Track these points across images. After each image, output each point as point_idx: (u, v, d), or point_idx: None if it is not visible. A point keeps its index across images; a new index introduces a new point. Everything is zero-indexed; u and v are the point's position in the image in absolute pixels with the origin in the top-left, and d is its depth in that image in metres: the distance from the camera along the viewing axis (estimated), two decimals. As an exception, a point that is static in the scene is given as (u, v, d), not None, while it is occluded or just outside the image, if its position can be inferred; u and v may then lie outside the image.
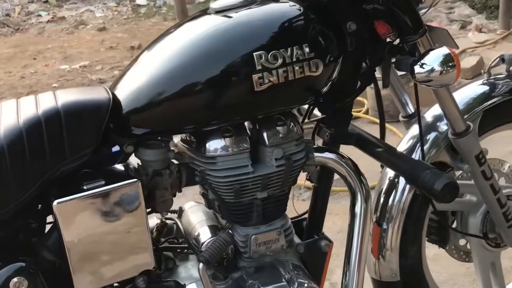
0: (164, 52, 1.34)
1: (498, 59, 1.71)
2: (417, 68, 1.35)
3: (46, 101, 1.27)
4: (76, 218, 1.23)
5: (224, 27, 1.33)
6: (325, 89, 1.39)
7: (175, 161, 1.39)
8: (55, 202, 1.21)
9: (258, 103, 1.33)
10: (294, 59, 1.29)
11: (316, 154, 1.43)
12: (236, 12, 1.33)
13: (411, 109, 1.73)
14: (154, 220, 1.50)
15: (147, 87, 1.29)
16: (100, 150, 1.29)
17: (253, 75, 1.27)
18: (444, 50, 1.35)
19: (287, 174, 1.36)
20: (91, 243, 1.26)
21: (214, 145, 1.32)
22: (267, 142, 1.34)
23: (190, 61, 1.29)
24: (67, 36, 6.90)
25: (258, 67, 1.27)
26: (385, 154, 1.48)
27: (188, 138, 1.39)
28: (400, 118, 1.77)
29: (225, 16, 1.33)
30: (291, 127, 1.36)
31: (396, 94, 1.73)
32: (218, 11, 1.34)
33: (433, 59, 1.34)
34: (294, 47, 1.29)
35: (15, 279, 1.21)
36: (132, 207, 1.27)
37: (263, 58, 1.27)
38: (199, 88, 1.28)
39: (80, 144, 1.25)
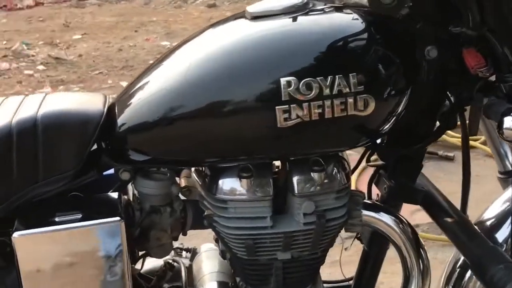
0: (180, 62, 1.08)
1: None
2: (508, 121, 1.00)
3: (28, 108, 1.06)
4: (38, 256, 1.01)
5: (253, 39, 1.05)
6: (384, 128, 1.08)
7: (182, 197, 1.13)
8: (14, 234, 1.00)
9: (281, 143, 1.05)
10: (335, 92, 0.98)
11: (365, 212, 1.13)
12: (273, 20, 1.04)
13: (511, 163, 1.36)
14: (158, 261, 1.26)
15: (152, 104, 1.05)
16: (87, 173, 1.06)
17: (277, 107, 0.98)
18: None
19: (319, 235, 1.08)
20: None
21: (228, 186, 1.06)
22: (296, 191, 1.06)
23: (206, 78, 1.02)
24: (174, 10, 6.73)
25: (285, 98, 0.98)
26: (454, 228, 1.13)
27: (203, 170, 1.12)
28: (497, 175, 1.40)
29: (258, 25, 1.05)
30: (332, 174, 1.08)
31: (492, 143, 1.36)
32: (254, 17, 1.06)
33: None
34: (337, 76, 0.98)
35: None
36: (109, 252, 1.03)
37: (293, 86, 0.98)
38: (212, 112, 1.02)
39: (58, 165, 1.04)
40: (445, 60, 1.07)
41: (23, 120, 1.02)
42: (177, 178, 1.15)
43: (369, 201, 1.17)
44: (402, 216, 1.16)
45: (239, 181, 1.05)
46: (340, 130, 1.04)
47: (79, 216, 1.02)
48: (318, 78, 0.98)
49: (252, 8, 1.06)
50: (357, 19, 1.06)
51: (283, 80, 0.98)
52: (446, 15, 1.03)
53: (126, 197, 1.12)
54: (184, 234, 1.16)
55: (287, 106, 0.98)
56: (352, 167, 1.21)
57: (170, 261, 1.28)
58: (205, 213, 1.09)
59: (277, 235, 1.07)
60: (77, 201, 1.06)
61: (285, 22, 1.05)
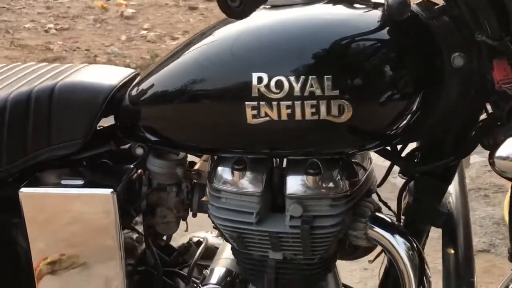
0: (190, 52, 1.06)
1: None
2: (503, 150, 0.85)
3: (51, 76, 1.15)
4: (39, 213, 1.09)
5: (239, 30, 1.00)
6: (372, 139, 1.00)
7: (195, 180, 1.14)
8: (21, 189, 1.08)
9: (251, 140, 1.00)
10: (306, 94, 0.91)
11: (373, 226, 1.03)
12: (266, 11, 0.99)
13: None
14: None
15: (161, 88, 1.06)
16: (102, 144, 1.13)
17: (246, 103, 0.94)
18: None
19: (306, 241, 1.01)
20: (55, 245, 1.11)
21: (223, 176, 1.05)
22: (286, 191, 1.01)
23: (199, 68, 1.01)
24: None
25: (254, 94, 0.93)
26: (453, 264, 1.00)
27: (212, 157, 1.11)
28: None
29: (268, 14, 1.00)
30: (330, 179, 1.00)
31: None
32: (274, 6, 1.01)
33: None
34: (310, 77, 0.90)
35: None
36: (100, 220, 1.08)
37: (263, 82, 0.92)
38: (196, 101, 1.01)
39: (68, 132, 1.10)
40: (476, 71, 0.94)
41: (44, 87, 1.10)
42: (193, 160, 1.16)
43: (381, 215, 1.06)
44: (414, 239, 1.04)
45: (232, 173, 1.03)
46: (311, 135, 0.96)
47: (81, 182, 1.08)
48: (290, 76, 0.92)
49: None
50: (355, 15, 0.98)
51: (254, 75, 0.93)
52: (474, 19, 0.90)
53: (140, 171, 1.15)
54: (193, 215, 1.17)
55: (256, 102, 0.93)
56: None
57: (200, 237, 1.31)
58: (203, 199, 1.09)
59: (263, 233, 1.03)
60: (87, 168, 1.12)
61: (274, 13, 1.00)
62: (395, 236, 1.04)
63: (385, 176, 1.15)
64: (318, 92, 0.91)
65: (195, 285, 1.17)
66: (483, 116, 1.02)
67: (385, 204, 1.10)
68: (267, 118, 0.93)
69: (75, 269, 1.11)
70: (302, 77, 0.91)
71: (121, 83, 1.11)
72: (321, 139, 0.97)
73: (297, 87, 0.91)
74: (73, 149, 1.09)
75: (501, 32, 0.88)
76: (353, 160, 1.06)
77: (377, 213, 1.06)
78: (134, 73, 1.16)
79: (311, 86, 0.91)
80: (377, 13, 0.97)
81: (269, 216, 1.03)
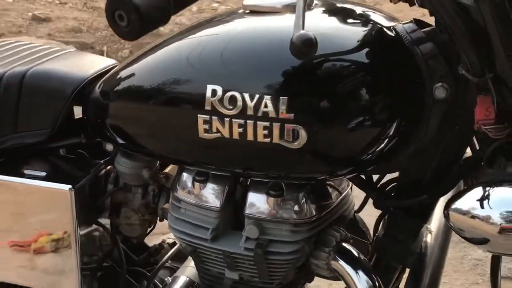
0: (164, 51, 1.00)
1: None
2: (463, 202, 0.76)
3: (30, 60, 1.11)
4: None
5: (220, 36, 0.95)
6: (329, 168, 0.93)
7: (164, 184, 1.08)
8: None
9: (204, 155, 0.95)
10: (260, 114, 0.83)
11: (338, 258, 0.96)
12: (243, 18, 0.95)
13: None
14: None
15: (125, 86, 1.02)
16: (71, 136, 1.09)
17: (199, 115, 0.87)
18: None
19: (261, 265, 0.95)
20: (12, 232, 1.08)
21: (184, 185, 1.00)
22: (245, 211, 0.95)
23: (169, 71, 0.96)
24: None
25: (207, 107, 0.86)
26: None
27: None
28: None
29: (243, 21, 0.95)
30: (293, 204, 0.93)
31: None
32: (254, 12, 0.94)
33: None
34: (265, 96, 0.82)
35: None
36: (58, 216, 1.04)
37: (217, 96, 0.85)
38: (156, 107, 0.95)
39: (35, 121, 1.07)
40: (460, 105, 0.85)
41: (16, 72, 1.07)
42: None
43: (348, 246, 0.98)
44: (377, 279, 0.96)
45: (193, 183, 0.97)
46: (262, 157, 0.89)
47: (43, 174, 1.04)
48: (244, 93, 0.84)
49: (249, 2, 0.94)
50: (330, 32, 0.89)
51: (209, 87, 0.86)
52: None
53: (110, 167, 1.11)
54: (160, 220, 1.11)
55: (208, 116, 0.87)
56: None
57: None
58: (163, 206, 1.04)
59: (217, 251, 0.97)
60: (54, 161, 1.08)
61: (249, 21, 0.94)
62: (358, 272, 0.96)
63: (363, 203, 1.08)
64: (272, 113, 0.83)
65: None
66: (469, 153, 0.94)
67: (354, 237, 1.01)
68: (219, 135, 0.87)
69: (28, 260, 1.08)
70: (257, 95, 0.84)
71: (94, 75, 1.06)
72: (273, 163, 0.91)
73: (250, 106, 0.84)
74: (40, 139, 1.06)
75: (484, 68, 0.78)
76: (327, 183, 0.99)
77: (344, 244, 0.98)
78: (111, 65, 1.11)
79: (265, 106, 0.84)
80: (357, 31, 0.89)
81: (227, 233, 0.98)
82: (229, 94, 0.86)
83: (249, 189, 0.96)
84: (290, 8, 0.91)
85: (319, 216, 0.95)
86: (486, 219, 0.76)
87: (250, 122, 0.85)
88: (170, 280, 1.13)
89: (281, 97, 0.83)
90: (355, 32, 0.89)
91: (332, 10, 0.95)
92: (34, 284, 1.11)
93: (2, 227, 1.08)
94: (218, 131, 0.87)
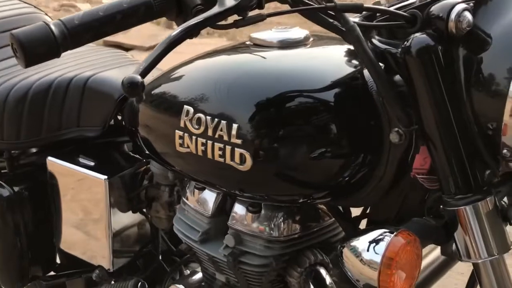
0: (170, 75, 1.11)
1: None
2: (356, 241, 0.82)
3: (99, 66, 1.30)
4: (57, 179, 1.27)
5: (211, 64, 1.06)
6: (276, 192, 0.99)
7: None
8: (48, 158, 1.27)
9: (179, 166, 1.05)
10: (216, 136, 0.92)
11: (308, 281, 1.01)
12: (254, 53, 1.02)
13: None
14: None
15: (146, 102, 1.11)
16: (119, 135, 1.27)
17: (176, 131, 0.98)
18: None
19: (236, 273, 1.04)
20: (64, 207, 1.29)
21: (187, 191, 1.12)
22: (228, 221, 1.04)
23: (174, 90, 1.06)
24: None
25: (181, 125, 0.97)
26: None
27: None
28: None
29: (250, 53, 1.04)
30: (269, 221, 1.00)
31: None
32: (257, 44, 1.03)
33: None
34: (222, 121, 0.91)
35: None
36: (94, 202, 1.22)
37: (188, 116, 0.96)
38: (160, 122, 1.08)
39: (91, 119, 1.26)
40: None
41: (81, 77, 1.26)
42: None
43: (322, 271, 1.01)
44: None
45: (193, 191, 1.09)
46: (220, 175, 0.97)
47: (92, 164, 1.23)
48: (207, 116, 0.93)
49: (253, 35, 1.03)
50: (298, 68, 0.96)
51: (185, 107, 0.96)
52: None
53: (148, 166, 1.25)
54: None
55: (182, 133, 0.97)
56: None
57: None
58: (177, 206, 1.16)
59: (203, 253, 1.07)
60: (103, 154, 1.26)
61: (248, 55, 1.03)
62: None
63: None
64: (225, 137, 0.92)
65: (171, 277, 1.26)
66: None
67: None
68: (189, 150, 0.97)
69: (76, 234, 1.28)
70: (216, 119, 0.93)
71: None
72: (226, 181, 0.99)
73: (210, 128, 0.93)
74: (94, 134, 1.25)
75: (411, 119, 0.82)
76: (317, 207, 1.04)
77: (318, 267, 1.02)
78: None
79: (221, 130, 0.92)
80: (325, 73, 0.93)
81: (215, 239, 1.07)
82: (197, 115, 0.95)
83: (234, 203, 1.04)
84: (284, 43, 1.00)
85: (295, 236, 1.01)
86: (369, 263, 0.78)
87: (209, 142, 0.94)
88: (188, 272, 1.27)
89: (233, 124, 0.91)
90: (322, 73, 0.94)
91: (313, 50, 1.01)
92: (80, 255, 1.30)
93: (62, 203, 1.28)
94: (188, 146, 0.97)
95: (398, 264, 0.79)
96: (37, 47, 0.81)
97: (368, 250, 0.81)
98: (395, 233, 0.80)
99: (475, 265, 0.85)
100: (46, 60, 0.82)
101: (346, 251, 0.85)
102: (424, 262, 1.07)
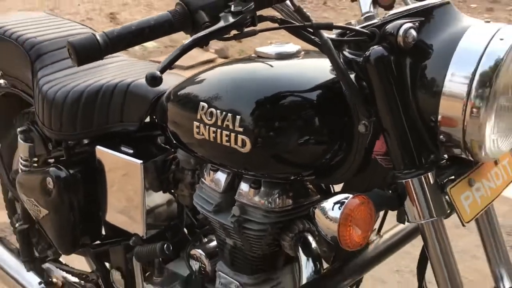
0: (193, 80, 1.33)
1: None
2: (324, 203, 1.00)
3: (137, 74, 1.53)
4: (104, 164, 1.51)
5: (225, 71, 1.29)
6: (272, 169, 1.18)
7: None
8: (97, 147, 1.51)
9: (197, 150, 1.27)
10: (224, 126, 1.14)
11: (298, 244, 1.21)
12: (249, 62, 1.25)
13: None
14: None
15: (171, 100, 1.34)
16: (153, 129, 1.48)
17: (194, 121, 1.21)
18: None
19: (241, 236, 1.25)
20: (109, 187, 1.52)
21: (205, 172, 1.33)
22: (235, 195, 1.26)
23: (196, 91, 1.28)
24: None
25: (198, 117, 1.20)
26: None
27: None
28: None
29: (253, 62, 1.26)
30: (267, 196, 1.21)
31: (484, 244, 1.17)
32: (260, 56, 1.25)
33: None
34: (229, 114, 1.14)
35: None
36: (131, 182, 1.44)
37: (203, 110, 1.18)
38: (182, 118, 1.30)
39: (130, 116, 1.48)
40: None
41: (124, 83, 1.49)
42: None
43: (309, 238, 1.21)
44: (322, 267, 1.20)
45: (209, 172, 1.30)
46: (228, 157, 1.18)
47: (131, 151, 1.46)
48: (217, 110, 1.15)
49: (257, 49, 1.25)
50: (289, 76, 1.16)
51: (201, 104, 1.19)
52: None
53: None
54: None
55: (198, 123, 1.19)
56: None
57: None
58: (197, 185, 1.39)
59: (216, 222, 1.28)
60: (141, 144, 1.47)
61: (252, 64, 1.23)
62: (308, 259, 1.20)
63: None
64: (230, 126, 1.14)
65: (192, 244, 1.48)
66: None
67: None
68: (203, 136, 1.19)
69: (117, 209, 1.52)
70: (224, 112, 1.14)
71: (166, 90, 1.39)
72: (232, 161, 1.20)
73: (219, 119, 1.15)
74: (134, 128, 1.47)
75: (371, 114, 1.02)
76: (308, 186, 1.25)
77: (306, 234, 1.22)
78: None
79: (227, 120, 1.14)
80: (309, 80, 1.13)
81: (225, 209, 1.27)
82: (210, 109, 1.17)
83: (240, 181, 1.25)
84: (280, 55, 1.21)
85: (287, 208, 1.21)
86: (332, 219, 0.98)
87: (219, 130, 1.15)
88: (206, 240, 1.46)
89: (237, 116, 1.13)
90: (308, 79, 1.14)
91: (303, 61, 1.21)
92: (120, 225, 1.53)
93: (107, 183, 1.51)
94: (203, 134, 1.19)
95: (354, 219, 0.98)
96: (86, 51, 0.97)
97: (332, 209, 0.99)
98: (352, 196, 1.00)
99: (420, 227, 1.03)
100: (93, 61, 0.99)
101: (317, 211, 1.02)
102: (391, 233, 1.29)
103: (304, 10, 1.09)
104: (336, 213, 0.98)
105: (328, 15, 6.65)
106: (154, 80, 0.93)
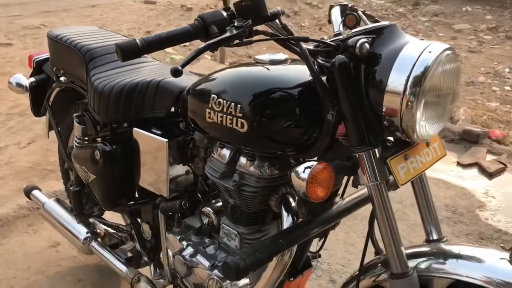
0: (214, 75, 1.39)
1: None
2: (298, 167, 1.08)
3: (162, 74, 1.63)
4: (138, 143, 1.61)
5: (235, 71, 1.36)
6: (265, 145, 1.25)
7: None
8: (134, 129, 1.60)
9: (208, 131, 1.36)
10: (228, 112, 1.24)
11: (282, 203, 1.32)
12: (252, 66, 1.32)
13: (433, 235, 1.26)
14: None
15: (192, 93, 1.41)
16: (176, 117, 1.57)
17: (206, 108, 1.30)
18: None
19: (239, 196, 1.35)
20: (142, 161, 1.62)
21: (214, 150, 1.42)
22: (236, 165, 1.35)
23: (211, 85, 1.36)
24: None
25: (209, 105, 1.29)
26: None
27: None
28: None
29: (252, 66, 1.34)
30: (259, 166, 1.30)
31: (419, 206, 1.27)
32: (258, 62, 1.34)
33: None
34: (231, 103, 1.23)
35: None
36: (159, 156, 1.54)
37: (214, 100, 1.28)
38: (198, 107, 1.38)
39: (158, 107, 1.57)
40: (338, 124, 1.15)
41: (154, 80, 1.57)
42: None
43: (290, 199, 1.31)
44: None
45: (217, 147, 1.39)
46: (231, 135, 1.27)
47: (159, 132, 1.55)
48: (224, 100, 1.25)
49: (256, 56, 1.36)
50: (280, 76, 1.23)
51: (212, 95, 1.28)
52: None
53: None
54: None
55: (209, 110, 1.29)
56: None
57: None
58: (208, 158, 1.50)
59: (221, 185, 1.38)
60: (167, 128, 1.56)
61: (251, 67, 1.31)
62: (289, 215, 1.29)
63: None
64: (233, 112, 1.23)
65: (203, 204, 1.55)
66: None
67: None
68: (213, 120, 1.29)
69: (148, 176, 1.61)
70: (229, 102, 1.24)
71: (186, 87, 1.49)
72: (234, 138, 1.28)
73: (225, 107, 1.24)
74: (162, 115, 1.55)
75: (335, 103, 1.11)
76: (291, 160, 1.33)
77: (288, 196, 1.32)
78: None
79: (231, 108, 1.23)
80: (296, 77, 1.21)
81: (228, 176, 1.36)
82: (218, 99, 1.26)
83: (240, 155, 1.34)
84: (273, 61, 1.30)
85: (275, 177, 1.30)
86: (302, 179, 1.07)
87: (224, 115, 1.24)
88: (214, 201, 1.55)
89: (238, 105, 1.21)
90: (293, 79, 1.21)
91: (289, 66, 1.30)
92: (150, 188, 1.62)
93: (141, 156, 1.60)
94: (212, 118, 1.28)
95: (318, 179, 1.07)
96: (128, 50, 1.05)
97: (304, 172, 1.07)
98: (317, 163, 1.10)
99: (368, 189, 1.11)
100: (133, 58, 1.07)
101: (292, 174, 1.10)
102: (350, 197, 1.38)
103: (291, 28, 1.19)
104: (305, 175, 1.07)
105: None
106: (176, 72, 1.02)
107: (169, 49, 5.88)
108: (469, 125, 3.89)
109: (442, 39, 7.28)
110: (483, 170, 3.32)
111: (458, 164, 3.43)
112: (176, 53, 5.70)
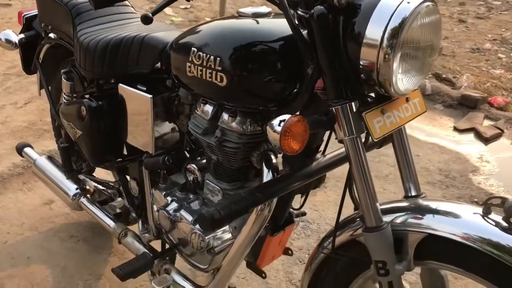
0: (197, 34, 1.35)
1: (500, 200, 1.04)
2: (276, 120, 1.07)
3: (152, 30, 1.60)
4: (123, 98, 1.61)
5: (216, 24, 1.34)
6: (246, 99, 1.25)
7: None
8: (119, 85, 1.60)
9: (190, 86, 1.35)
10: (207, 65, 1.23)
11: (263, 161, 1.32)
12: (234, 19, 1.30)
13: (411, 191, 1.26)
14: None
15: (174, 45, 1.40)
16: (162, 74, 1.54)
17: (187, 63, 1.29)
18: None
19: (221, 152, 1.36)
20: (129, 117, 1.61)
21: (198, 106, 1.42)
22: (218, 121, 1.35)
23: (193, 39, 1.34)
24: None
25: (190, 59, 1.28)
26: None
27: None
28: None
29: (231, 19, 1.33)
30: (241, 123, 1.30)
31: (398, 163, 1.27)
32: (241, 15, 1.31)
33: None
34: (211, 56, 1.22)
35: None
36: (144, 112, 1.53)
37: (194, 53, 1.26)
38: (182, 61, 1.35)
39: (143, 62, 1.56)
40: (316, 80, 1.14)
41: (140, 36, 1.55)
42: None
43: (272, 156, 1.31)
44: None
45: (201, 103, 1.38)
46: (211, 90, 1.26)
47: (144, 89, 1.54)
48: (203, 53, 1.24)
49: (239, 10, 1.33)
50: (262, 29, 1.21)
51: (192, 49, 1.27)
52: None
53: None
54: None
55: (190, 64, 1.27)
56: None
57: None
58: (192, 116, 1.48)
59: (204, 141, 1.38)
60: (152, 84, 1.54)
61: (233, 20, 1.29)
62: (269, 170, 1.30)
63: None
64: (212, 65, 1.22)
65: (188, 161, 1.58)
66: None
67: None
68: (193, 74, 1.28)
69: (134, 133, 1.61)
70: (208, 55, 1.22)
71: (170, 42, 1.46)
72: (214, 93, 1.28)
73: (205, 60, 1.23)
74: (147, 70, 1.54)
75: (313, 56, 1.09)
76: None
77: (269, 152, 1.32)
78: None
79: (210, 61, 1.22)
80: (277, 30, 1.19)
81: (211, 132, 1.36)
82: (198, 53, 1.25)
83: (222, 111, 1.34)
84: (256, 15, 1.28)
85: (256, 133, 1.30)
86: (276, 131, 1.05)
87: (204, 69, 1.23)
88: (199, 158, 1.56)
89: (217, 58, 1.20)
90: (274, 32, 1.19)
91: (272, 20, 1.27)
92: (136, 145, 1.63)
93: (127, 112, 1.59)
94: (193, 72, 1.27)
95: (291, 133, 1.05)
96: None
97: (279, 125, 1.05)
98: (292, 116, 1.07)
99: (344, 142, 1.10)
100: (106, 6, 1.06)
101: (268, 127, 1.07)
102: (331, 154, 1.38)
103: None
104: (279, 128, 1.06)
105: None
106: (146, 19, 1.01)
107: (169, 11, 5.78)
108: (469, 90, 3.85)
109: (450, 5, 7.14)
110: (479, 135, 3.31)
111: (455, 129, 3.42)
112: (177, 16, 5.63)
